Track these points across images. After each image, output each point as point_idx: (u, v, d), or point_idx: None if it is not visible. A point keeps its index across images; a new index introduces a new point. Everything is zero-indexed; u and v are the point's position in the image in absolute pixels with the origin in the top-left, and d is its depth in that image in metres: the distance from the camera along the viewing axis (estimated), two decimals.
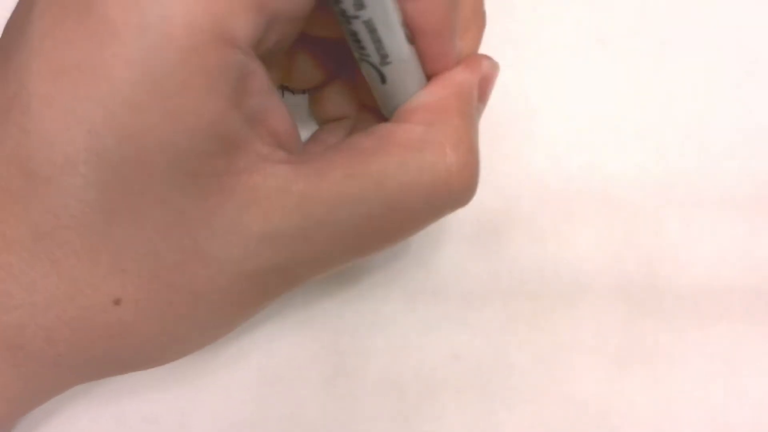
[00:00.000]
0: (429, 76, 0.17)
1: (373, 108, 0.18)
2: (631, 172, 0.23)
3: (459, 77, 0.16)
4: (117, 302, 0.14)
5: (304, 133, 0.20)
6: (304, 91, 0.22)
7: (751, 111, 0.24)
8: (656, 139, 0.23)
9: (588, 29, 0.24)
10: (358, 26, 0.14)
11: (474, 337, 0.21)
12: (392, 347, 0.21)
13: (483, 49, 0.17)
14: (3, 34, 0.14)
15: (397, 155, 0.15)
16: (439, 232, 0.22)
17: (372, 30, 0.14)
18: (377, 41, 0.15)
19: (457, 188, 0.15)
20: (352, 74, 0.20)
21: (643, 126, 0.23)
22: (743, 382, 0.21)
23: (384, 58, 0.15)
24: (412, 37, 0.15)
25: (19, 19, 0.14)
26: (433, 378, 0.21)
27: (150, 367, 0.17)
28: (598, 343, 0.21)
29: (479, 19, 0.17)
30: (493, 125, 0.23)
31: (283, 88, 0.22)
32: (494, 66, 0.17)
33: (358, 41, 0.15)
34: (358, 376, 0.21)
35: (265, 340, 0.21)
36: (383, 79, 0.16)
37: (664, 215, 0.22)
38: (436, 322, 0.21)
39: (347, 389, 0.21)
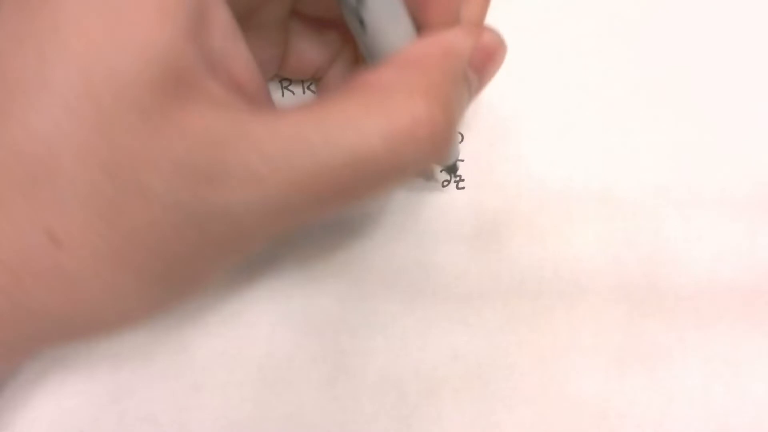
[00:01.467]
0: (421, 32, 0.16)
1: None
2: (631, 173, 0.23)
3: (451, 36, 0.15)
4: (56, 242, 0.13)
5: None
6: (308, 86, 0.22)
7: (751, 111, 0.24)
8: (656, 139, 0.23)
9: (588, 29, 0.24)
10: None
11: (474, 337, 0.21)
12: (392, 347, 0.21)
13: None
14: None
15: (360, 98, 0.14)
16: (439, 232, 0.22)
17: None
18: None
19: (422, 139, 0.14)
20: (348, 55, 0.19)
21: (643, 126, 0.23)
22: (743, 382, 0.21)
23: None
24: None
25: None
26: (433, 378, 0.21)
27: (100, 331, 0.16)
28: (598, 343, 0.21)
29: None
30: (493, 125, 0.23)
31: (286, 82, 0.22)
32: (499, 41, 0.16)
33: None
34: (358, 376, 0.21)
35: (265, 340, 0.21)
36: (362, 23, 0.15)
37: (664, 215, 0.22)
38: (436, 322, 0.21)
39: (347, 389, 0.21)
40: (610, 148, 0.23)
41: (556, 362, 0.21)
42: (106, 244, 0.13)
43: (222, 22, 0.13)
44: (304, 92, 0.22)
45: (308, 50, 0.19)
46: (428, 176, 0.23)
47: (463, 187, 0.23)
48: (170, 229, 0.13)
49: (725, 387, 0.21)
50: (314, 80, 0.22)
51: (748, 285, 0.22)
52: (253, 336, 0.21)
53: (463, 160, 0.23)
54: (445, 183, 0.23)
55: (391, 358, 0.21)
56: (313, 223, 0.20)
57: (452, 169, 0.22)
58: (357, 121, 0.13)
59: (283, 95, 0.22)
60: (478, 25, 0.16)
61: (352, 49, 0.19)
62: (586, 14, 0.24)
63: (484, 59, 0.16)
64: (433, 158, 0.14)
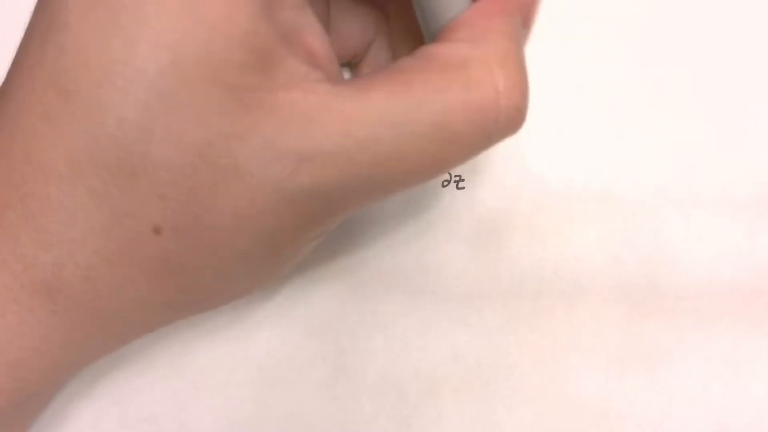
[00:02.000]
0: None
1: None
2: (631, 173, 0.23)
3: None
4: (157, 230, 0.13)
5: None
6: (344, 65, 0.22)
7: (751, 111, 0.24)
8: (656, 139, 0.23)
9: (588, 30, 0.24)
10: None
11: (474, 337, 0.21)
12: (392, 347, 0.21)
13: None
14: None
15: (440, 73, 0.14)
16: (439, 232, 0.22)
17: None
18: None
19: (505, 109, 0.14)
20: (387, 38, 0.19)
21: (643, 126, 0.23)
22: (743, 382, 0.21)
23: None
24: None
25: None
26: (433, 378, 0.21)
27: (201, 310, 0.16)
28: (598, 343, 0.21)
29: None
30: None
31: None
32: None
33: None
34: (358, 376, 0.21)
35: (265, 340, 0.21)
36: None
37: (664, 215, 0.22)
38: (436, 322, 0.21)
39: (347, 389, 0.21)
40: (610, 148, 0.23)
41: (556, 362, 0.21)
42: (208, 230, 0.13)
43: None
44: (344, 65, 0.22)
45: (347, 31, 0.19)
46: None
47: (463, 187, 0.23)
48: (268, 209, 0.13)
49: (725, 387, 0.21)
50: (350, 65, 0.21)
51: (748, 285, 0.22)
52: (253, 336, 0.21)
53: None
54: (445, 183, 0.23)
55: (391, 358, 0.21)
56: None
57: None
58: (441, 97, 0.14)
59: None
60: None
61: (390, 31, 0.19)
62: (585, 14, 0.24)
63: (528, 12, 0.16)
64: (517, 125, 0.15)
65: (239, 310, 0.21)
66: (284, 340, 0.21)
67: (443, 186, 0.23)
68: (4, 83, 0.14)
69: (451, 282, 0.22)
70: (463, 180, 0.23)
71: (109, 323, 0.15)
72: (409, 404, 0.21)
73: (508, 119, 0.14)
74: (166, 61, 0.12)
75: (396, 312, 0.21)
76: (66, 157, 0.13)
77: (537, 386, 0.21)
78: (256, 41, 0.12)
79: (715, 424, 0.21)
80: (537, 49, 0.24)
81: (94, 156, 0.13)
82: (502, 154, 0.23)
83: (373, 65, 0.20)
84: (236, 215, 0.13)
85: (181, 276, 0.14)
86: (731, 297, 0.22)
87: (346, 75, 0.22)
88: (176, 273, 0.14)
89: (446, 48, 0.14)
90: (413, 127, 0.13)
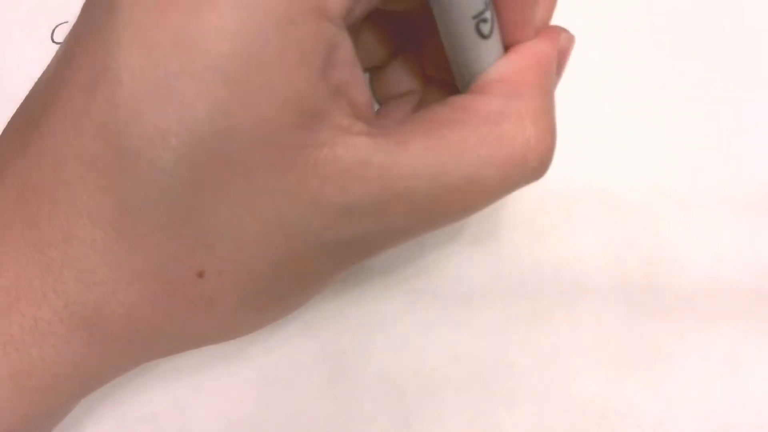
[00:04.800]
0: (507, 47, 0.16)
1: (441, 81, 0.18)
2: (632, 173, 0.23)
3: (538, 48, 0.16)
4: (200, 275, 0.14)
5: None
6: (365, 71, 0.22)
7: (751, 111, 0.24)
8: (656, 139, 0.23)
9: (587, 30, 0.24)
10: None
11: (474, 337, 0.21)
12: (392, 347, 0.21)
13: None
14: (85, 4, 0.14)
15: (476, 127, 0.14)
16: (440, 232, 0.22)
17: None
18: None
19: (533, 162, 0.15)
20: (417, 48, 0.19)
21: (643, 126, 0.23)
22: (743, 382, 0.21)
23: (487, 6, 0.15)
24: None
25: None
26: (433, 378, 0.21)
27: (222, 341, 0.17)
28: (598, 343, 0.21)
29: None
30: None
31: None
32: (571, 38, 0.17)
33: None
34: (358, 376, 0.21)
35: (265, 340, 0.21)
36: (486, 32, 0.15)
37: (664, 215, 0.22)
38: (436, 322, 0.21)
39: (347, 389, 0.21)
40: (610, 148, 0.23)
41: (556, 362, 0.21)
42: (249, 275, 0.14)
43: (347, 52, 0.14)
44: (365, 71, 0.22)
45: (373, 43, 0.19)
46: None
47: None
48: (308, 258, 0.14)
49: (725, 387, 0.21)
50: (371, 70, 0.21)
51: (748, 285, 0.22)
52: (253, 336, 0.21)
53: None
54: None
55: (391, 358, 0.21)
56: None
57: None
58: (475, 153, 0.14)
59: None
60: (552, 25, 0.17)
61: (423, 45, 0.19)
62: (585, 14, 0.24)
63: (562, 60, 0.17)
64: (541, 175, 0.15)
65: None
66: (284, 340, 0.21)
67: None
68: (36, 114, 0.14)
69: (451, 282, 0.22)
70: None
71: (139, 351, 0.15)
72: (409, 404, 0.21)
73: (534, 171, 0.15)
74: (223, 127, 0.12)
75: (396, 312, 0.21)
76: (115, 204, 0.13)
77: (537, 386, 0.21)
78: (309, 103, 0.13)
79: (715, 424, 0.21)
80: None
81: (143, 206, 0.13)
82: None
83: (397, 74, 0.20)
84: (276, 262, 0.14)
85: (217, 314, 0.15)
86: (731, 297, 0.22)
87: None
88: (213, 311, 0.15)
89: (481, 102, 0.15)
90: (447, 179, 0.14)
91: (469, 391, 0.21)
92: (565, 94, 0.24)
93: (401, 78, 0.20)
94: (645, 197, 0.23)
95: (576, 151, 0.23)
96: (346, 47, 0.13)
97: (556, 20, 0.17)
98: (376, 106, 0.20)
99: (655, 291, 0.22)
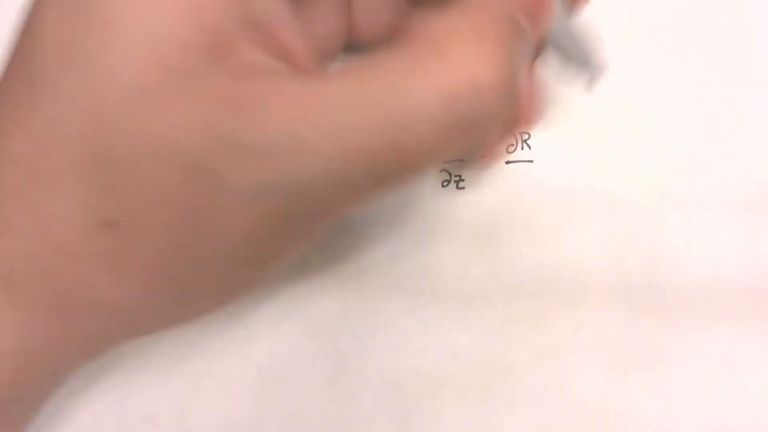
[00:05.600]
0: None
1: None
2: (631, 173, 0.23)
3: None
4: (104, 224, 0.13)
5: None
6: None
7: (751, 111, 0.24)
8: (656, 139, 0.23)
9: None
10: None
11: (474, 337, 0.21)
12: (392, 347, 0.21)
13: None
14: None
15: (410, 54, 0.13)
16: (439, 232, 0.22)
17: None
18: None
19: (484, 91, 0.12)
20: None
21: (643, 126, 0.23)
22: (743, 382, 0.21)
23: None
24: None
25: None
26: (433, 378, 0.21)
27: (161, 325, 0.15)
28: (598, 343, 0.21)
29: None
30: None
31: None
32: None
33: None
34: (358, 376, 0.21)
35: (265, 340, 0.21)
36: None
37: (664, 215, 0.22)
38: (436, 322, 0.21)
39: (347, 389, 0.21)
40: (610, 148, 0.23)
41: (556, 362, 0.21)
42: (162, 229, 0.13)
43: None
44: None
45: (375, 6, 0.17)
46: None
47: (463, 187, 0.23)
48: (224, 211, 0.12)
49: (725, 387, 0.21)
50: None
51: (748, 285, 0.22)
52: (253, 336, 0.21)
53: (463, 160, 0.23)
54: (445, 183, 0.23)
55: (391, 358, 0.21)
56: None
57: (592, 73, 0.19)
58: (409, 80, 0.12)
59: None
60: None
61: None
62: (585, 14, 0.24)
63: (537, 11, 0.15)
64: (498, 111, 0.13)
65: (239, 311, 0.21)
66: (284, 340, 0.21)
67: (443, 186, 0.23)
68: None
69: (451, 282, 0.22)
70: (463, 180, 0.23)
71: (71, 326, 0.14)
72: (409, 404, 0.21)
73: (492, 105, 0.13)
74: (113, 37, 0.12)
75: (396, 312, 0.21)
76: (31, 144, 0.13)
77: (537, 386, 0.21)
78: (212, 22, 0.12)
79: (715, 424, 0.21)
80: None
81: (56, 144, 0.12)
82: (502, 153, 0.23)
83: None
84: (191, 214, 0.13)
85: (130, 278, 0.13)
86: (731, 297, 0.22)
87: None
88: (130, 274, 0.13)
89: (420, 25, 0.13)
90: (380, 115, 0.12)
91: (469, 391, 0.21)
92: (565, 94, 0.24)
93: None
94: (645, 197, 0.23)
95: (576, 151, 0.23)
96: None
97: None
98: None
99: (655, 291, 0.22)
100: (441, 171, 0.22)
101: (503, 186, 0.23)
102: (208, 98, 0.12)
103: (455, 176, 0.23)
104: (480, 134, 0.13)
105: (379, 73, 0.12)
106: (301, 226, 0.14)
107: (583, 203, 0.23)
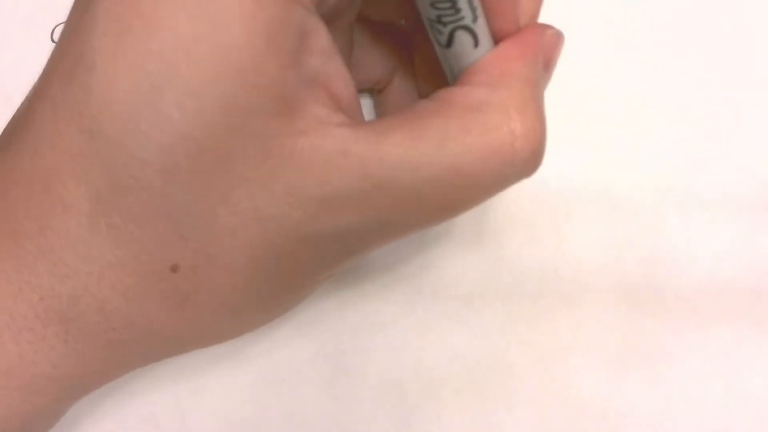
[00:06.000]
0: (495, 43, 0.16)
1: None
2: (631, 173, 0.23)
3: (522, 40, 0.16)
4: (174, 269, 0.14)
5: None
6: (366, 91, 0.22)
7: (751, 111, 0.24)
8: (656, 139, 0.23)
9: (587, 30, 0.24)
10: None
11: (474, 337, 0.21)
12: (392, 347, 0.21)
13: None
14: (74, 2, 0.14)
15: (458, 117, 0.14)
16: (439, 232, 0.22)
17: None
18: None
19: (521, 153, 0.14)
20: (411, 67, 0.19)
21: (643, 126, 0.23)
22: (743, 382, 0.21)
23: (474, 12, 0.14)
24: None
25: None
26: (433, 378, 0.21)
27: (206, 345, 0.16)
28: (598, 343, 0.21)
29: None
30: None
31: None
32: (559, 35, 0.16)
33: (454, 3, 0.14)
34: (358, 376, 0.21)
35: (265, 340, 0.21)
36: (476, 41, 0.15)
37: (664, 215, 0.22)
38: (436, 322, 0.21)
39: (347, 389, 0.21)
40: (610, 148, 0.23)
41: (556, 362, 0.21)
42: (225, 270, 0.14)
43: (321, 40, 0.13)
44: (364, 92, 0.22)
45: (370, 61, 0.19)
46: None
47: None
48: (286, 251, 0.14)
49: (725, 387, 0.21)
50: (373, 92, 0.21)
51: (748, 285, 0.22)
52: (253, 336, 0.21)
53: None
54: None
55: (391, 358, 0.21)
56: None
57: None
58: (458, 142, 0.14)
59: None
60: (536, 21, 0.16)
61: (414, 59, 0.19)
62: (584, 14, 0.24)
63: (549, 56, 0.16)
64: (533, 168, 0.15)
65: None
66: (284, 340, 0.21)
67: None
68: (24, 110, 0.14)
69: (451, 282, 0.22)
70: None
71: (119, 353, 0.15)
72: (409, 404, 0.21)
73: (524, 162, 0.14)
74: (192, 109, 0.12)
75: (396, 312, 0.21)
76: (87, 193, 0.13)
77: (537, 386, 0.21)
78: (282, 90, 0.12)
79: (715, 424, 0.21)
80: None
81: (115, 195, 0.13)
82: None
83: (397, 93, 0.20)
84: (254, 257, 0.14)
85: (194, 312, 0.14)
86: (731, 297, 0.22)
87: (367, 100, 0.22)
88: (190, 308, 0.14)
89: (464, 92, 0.15)
90: (430, 170, 0.14)
91: (469, 391, 0.21)
92: (565, 93, 0.24)
93: (400, 100, 0.19)
94: (645, 197, 0.23)
95: (576, 151, 0.23)
96: (320, 34, 0.13)
97: (558, 19, 0.17)
98: None
99: (655, 291, 0.22)
100: None
101: None
102: (284, 158, 0.13)
103: None
104: (515, 182, 0.15)
105: (431, 133, 0.14)
106: (344, 262, 0.15)
107: (583, 203, 0.23)
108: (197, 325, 0.15)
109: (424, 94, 0.19)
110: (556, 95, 0.24)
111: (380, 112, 0.21)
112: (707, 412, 0.21)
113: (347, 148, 0.13)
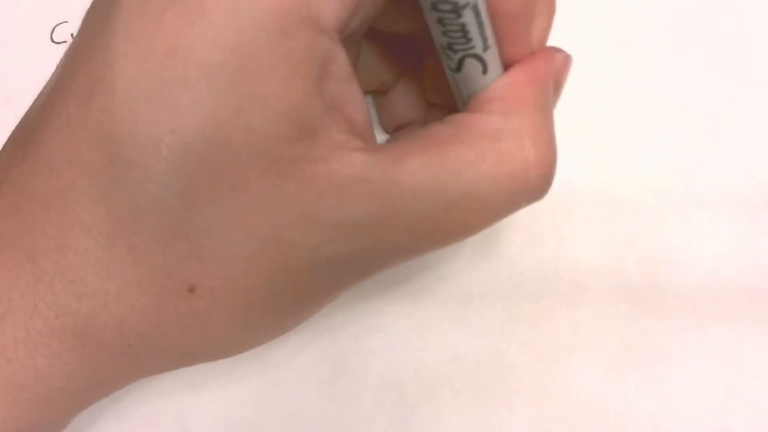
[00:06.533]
0: (505, 68, 0.16)
1: (443, 107, 0.18)
2: (631, 173, 0.23)
3: (533, 66, 0.16)
4: (191, 290, 0.14)
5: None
6: (370, 93, 0.22)
7: (750, 111, 0.24)
8: (656, 139, 0.23)
9: (587, 30, 0.24)
10: (468, 16, 0.14)
11: (474, 337, 0.21)
12: (392, 347, 0.21)
13: None
14: (86, 15, 0.14)
15: (474, 145, 0.14)
16: None
17: (477, 14, 0.14)
18: (481, 26, 0.14)
19: (534, 180, 0.15)
20: (418, 73, 0.19)
21: (643, 126, 0.23)
22: (743, 382, 0.21)
23: (485, 42, 0.15)
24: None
25: (103, 0, 0.13)
26: (433, 378, 0.21)
27: (218, 359, 0.16)
28: (598, 343, 0.21)
29: (550, 5, 0.16)
30: None
31: None
32: (568, 58, 0.17)
33: (465, 32, 0.14)
34: (358, 376, 0.21)
35: None
36: (485, 68, 0.15)
37: (664, 215, 0.22)
38: (436, 322, 0.21)
39: (347, 389, 0.21)
40: (610, 148, 0.23)
41: (556, 362, 0.21)
42: (242, 292, 0.14)
43: (342, 66, 0.13)
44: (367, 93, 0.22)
45: (377, 66, 0.19)
46: None
47: None
48: (303, 274, 0.14)
49: (725, 387, 0.21)
50: (374, 93, 0.21)
51: (748, 285, 0.22)
52: None
53: None
54: None
55: (391, 358, 0.21)
56: None
57: None
58: (474, 169, 0.14)
59: None
60: (548, 46, 0.17)
61: (425, 66, 0.20)
62: (585, 14, 0.24)
63: (559, 79, 0.17)
64: (543, 193, 0.15)
65: None
66: (284, 340, 0.21)
67: None
68: (33, 123, 0.14)
69: (451, 282, 0.22)
70: None
71: (133, 366, 0.15)
72: (409, 404, 0.21)
73: (536, 188, 0.15)
74: (216, 138, 0.12)
75: (396, 312, 0.21)
76: (107, 214, 0.13)
77: (537, 386, 0.21)
78: (304, 116, 0.13)
79: (715, 424, 0.21)
80: None
81: (135, 217, 0.13)
82: None
83: (403, 97, 0.20)
84: (270, 279, 0.14)
85: (210, 330, 0.15)
86: (731, 297, 0.22)
87: (369, 99, 0.22)
88: (205, 328, 0.14)
89: (479, 120, 0.15)
90: (445, 197, 0.14)
91: (469, 391, 0.21)
92: (565, 94, 0.24)
93: (406, 103, 0.20)
94: (645, 197, 0.23)
95: (576, 151, 0.23)
96: (341, 61, 0.13)
97: (558, 19, 0.17)
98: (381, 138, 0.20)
99: (655, 291, 0.22)
100: None
101: None
102: (303, 183, 0.13)
103: None
104: (522, 207, 0.15)
105: (447, 160, 0.14)
106: (358, 282, 0.16)
107: (583, 203, 0.23)
108: (212, 342, 0.15)
109: (431, 99, 0.19)
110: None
111: (382, 113, 0.21)
112: (707, 412, 0.21)
113: (365, 174, 0.13)
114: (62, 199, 0.13)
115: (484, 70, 0.15)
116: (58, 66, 0.15)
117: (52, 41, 0.24)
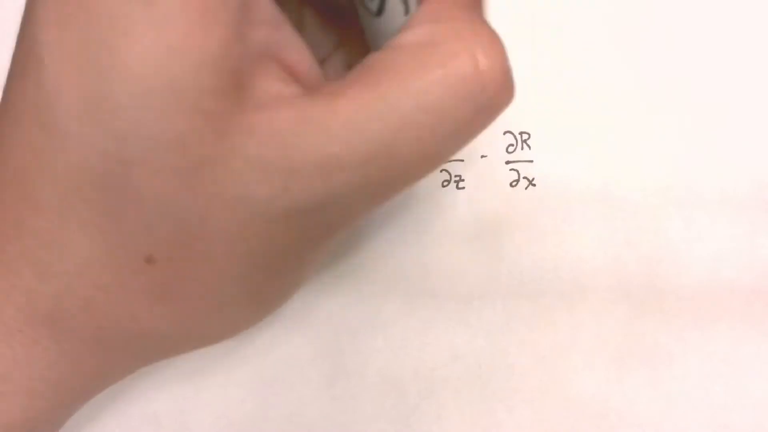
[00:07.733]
0: None
1: None
2: (631, 173, 0.23)
3: None
4: (149, 260, 0.13)
5: None
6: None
7: (751, 111, 0.24)
8: (656, 139, 0.23)
9: (587, 30, 0.24)
10: None
11: (474, 337, 0.21)
12: (392, 347, 0.21)
13: None
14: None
15: (412, 55, 0.13)
16: (439, 232, 0.22)
17: None
18: None
19: (490, 73, 0.13)
20: (356, 42, 0.19)
21: (643, 126, 0.23)
22: (743, 382, 0.21)
23: None
24: None
25: None
26: (433, 378, 0.21)
27: (201, 345, 0.16)
28: (598, 343, 0.21)
29: None
30: (492, 125, 0.23)
31: None
32: None
33: None
34: (358, 376, 0.21)
35: (265, 340, 0.21)
36: (407, 7, 0.14)
37: (664, 215, 0.22)
38: (436, 322, 0.21)
39: (347, 389, 0.21)
40: (610, 148, 0.23)
41: (556, 362, 0.21)
42: (202, 257, 0.13)
43: (265, 12, 0.13)
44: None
45: (315, 37, 0.18)
46: None
47: (463, 187, 0.23)
48: (262, 230, 0.13)
49: (725, 387, 0.21)
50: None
51: (748, 285, 0.22)
52: (253, 336, 0.21)
53: (462, 160, 0.23)
54: (445, 183, 0.23)
55: (391, 358, 0.21)
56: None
57: None
58: (418, 77, 0.13)
59: None
60: None
61: (353, 39, 0.19)
62: (585, 14, 0.24)
63: None
64: (506, 90, 0.14)
65: None
66: (284, 340, 0.21)
67: (443, 186, 0.23)
68: None
69: (451, 282, 0.22)
70: (463, 180, 0.23)
71: (112, 354, 0.15)
72: (409, 404, 0.21)
73: (495, 83, 0.13)
74: (139, 93, 0.12)
75: (396, 312, 0.21)
76: (54, 191, 0.13)
77: (537, 386, 0.21)
78: (228, 66, 0.12)
79: (715, 424, 0.21)
80: (537, 49, 0.24)
81: (80, 189, 0.13)
82: (502, 153, 0.23)
83: (335, 68, 0.19)
84: (228, 240, 0.13)
85: (178, 305, 0.14)
86: (731, 297, 0.22)
87: None
88: (174, 303, 0.14)
89: (410, 34, 0.14)
90: (397, 115, 0.13)
91: (469, 391, 0.21)
92: (565, 93, 0.24)
93: (339, 75, 0.19)
94: (645, 197, 0.23)
95: (576, 151, 0.23)
96: (263, 6, 0.13)
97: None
98: None
99: (655, 291, 0.22)
100: (441, 171, 0.22)
101: (503, 186, 0.23)
102: (242, 134, 0.12)
103: (455, 176, 0.23)
104: (496, 110, 0.14)
105: (386, 79, 0.13)
106: (326, 237, 0.14)
107: (583, 203, 0.23)
108: (184, 321, 0.15)
109: None
110: (556, 95, 0.24)
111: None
112: (707, 412, 0.21)
113: (305, 115, 0.12)
114: (17, 179, 0.13)
115: (406, 11, 0.14)
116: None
117: None
